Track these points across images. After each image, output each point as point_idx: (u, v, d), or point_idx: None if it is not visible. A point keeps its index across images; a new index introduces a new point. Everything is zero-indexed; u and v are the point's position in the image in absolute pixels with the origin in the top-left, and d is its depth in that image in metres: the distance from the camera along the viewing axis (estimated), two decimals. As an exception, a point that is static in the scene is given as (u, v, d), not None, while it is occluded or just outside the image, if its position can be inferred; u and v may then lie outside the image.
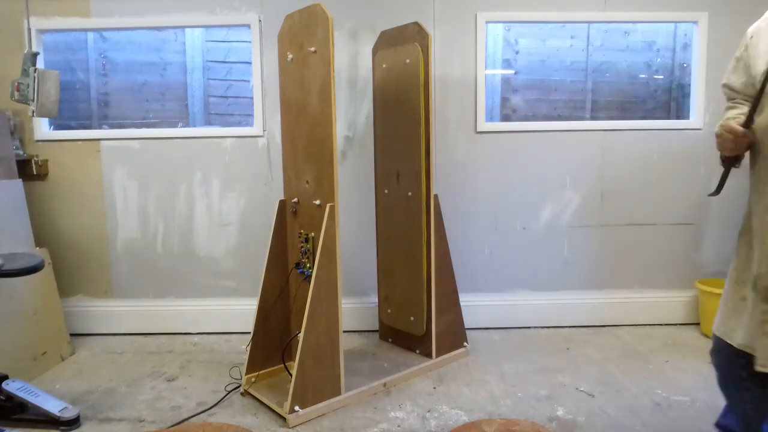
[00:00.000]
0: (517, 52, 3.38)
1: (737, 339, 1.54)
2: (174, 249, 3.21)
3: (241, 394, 2.43)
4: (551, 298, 3.23)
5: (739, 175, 3.30)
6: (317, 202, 2.28)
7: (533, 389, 2.44)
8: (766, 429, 1.66)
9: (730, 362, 1.60)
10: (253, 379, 2.46)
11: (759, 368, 1.47)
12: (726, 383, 1.69)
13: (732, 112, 1.61)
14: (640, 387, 2.46)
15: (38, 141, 3.12)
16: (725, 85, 1.66)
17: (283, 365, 2.49)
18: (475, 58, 3.08)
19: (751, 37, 1.57)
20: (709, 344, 2.92)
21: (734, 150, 1.54)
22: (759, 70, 1.49)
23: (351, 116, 3.13)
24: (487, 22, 3.08)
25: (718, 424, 1.84)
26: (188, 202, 3.19)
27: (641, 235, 3.22)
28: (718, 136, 1.55)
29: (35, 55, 2.33)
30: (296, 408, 2.16)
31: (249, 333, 2.48)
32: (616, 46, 3.35)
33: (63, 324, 2.92)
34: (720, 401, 2.30)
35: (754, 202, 1.55)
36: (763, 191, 1.50)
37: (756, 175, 1.54)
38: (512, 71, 3.40)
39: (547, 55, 3.36)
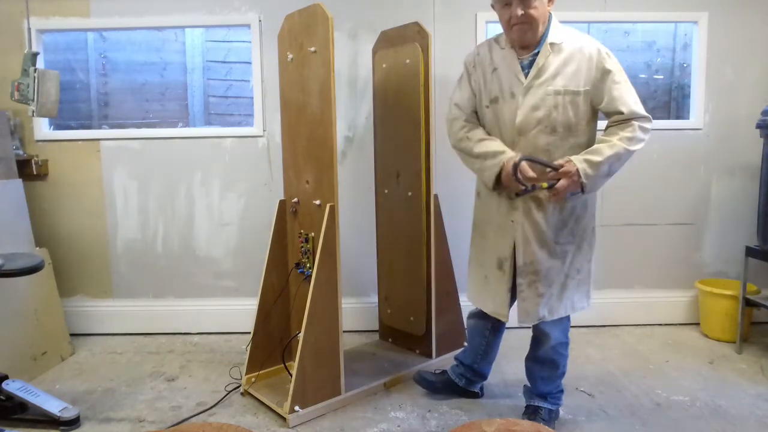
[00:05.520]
0: (517, 52, 3.37)
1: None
2: (174, 249, 3.21)
3: (241, 394, 2.43)
4: (551, 298, 3.22)
5: (738, 177, 3.29)
6: (317, 202, 2.28)
7: (533, 389, 2.44)
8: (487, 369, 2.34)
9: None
10: (253, 379, 2.46)
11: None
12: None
13: None
14: (640, 387, 2.46)
15: (38, 141, 3.12)
16: None
17: (283, 365, 2.49)
18: (475, 58, 3.08)
19: None
20: (710, 344, 2.96)
21: None
22: None
23: (351, 116, 3.13)
24: (487, 22, 3.08)
25: (456, 357, 2.40)
26: (188, 202, 3.19)
27: (641, 235, 3.21)
28: None
29: (35, 55, 2.33)
30: (296, 408, 2.16)
31: (249, 333, 2.48)
32: (616, 46, 3.35)
33: (63, 324, 2.92)
34: (720, 401, 2.32)
35: None
36: None
37: None
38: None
39: (547, 55, 3.35)
